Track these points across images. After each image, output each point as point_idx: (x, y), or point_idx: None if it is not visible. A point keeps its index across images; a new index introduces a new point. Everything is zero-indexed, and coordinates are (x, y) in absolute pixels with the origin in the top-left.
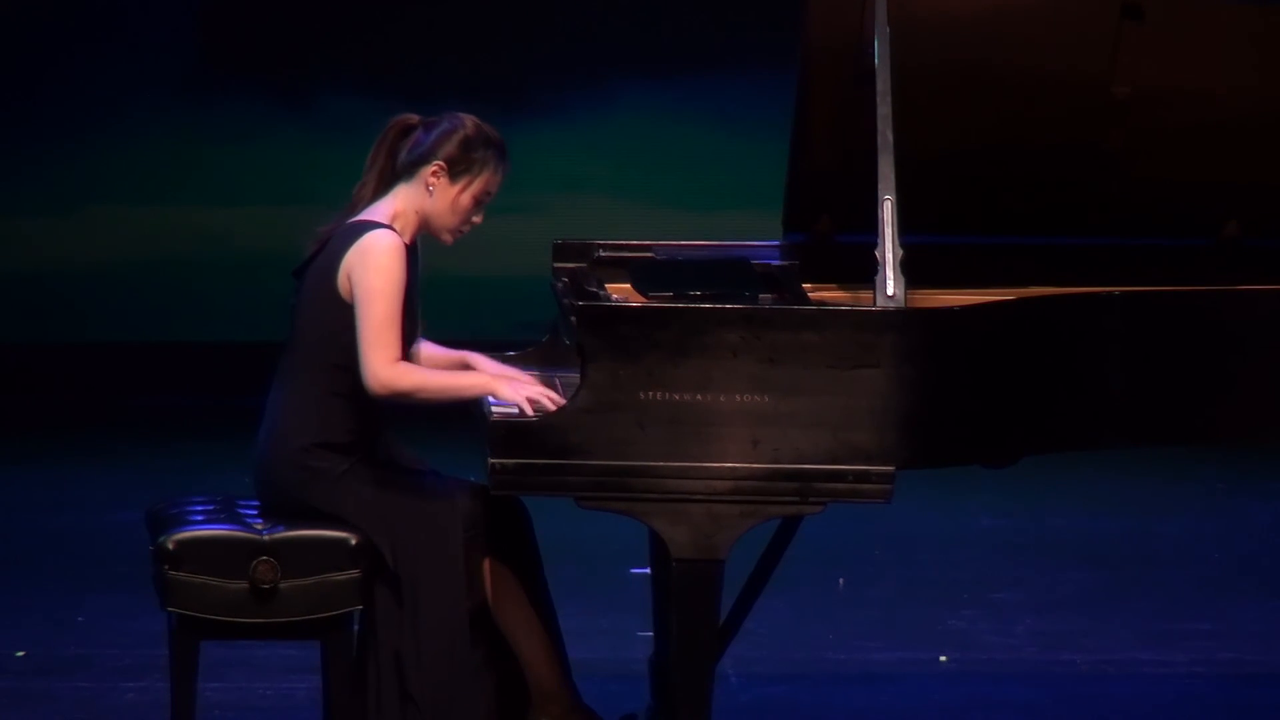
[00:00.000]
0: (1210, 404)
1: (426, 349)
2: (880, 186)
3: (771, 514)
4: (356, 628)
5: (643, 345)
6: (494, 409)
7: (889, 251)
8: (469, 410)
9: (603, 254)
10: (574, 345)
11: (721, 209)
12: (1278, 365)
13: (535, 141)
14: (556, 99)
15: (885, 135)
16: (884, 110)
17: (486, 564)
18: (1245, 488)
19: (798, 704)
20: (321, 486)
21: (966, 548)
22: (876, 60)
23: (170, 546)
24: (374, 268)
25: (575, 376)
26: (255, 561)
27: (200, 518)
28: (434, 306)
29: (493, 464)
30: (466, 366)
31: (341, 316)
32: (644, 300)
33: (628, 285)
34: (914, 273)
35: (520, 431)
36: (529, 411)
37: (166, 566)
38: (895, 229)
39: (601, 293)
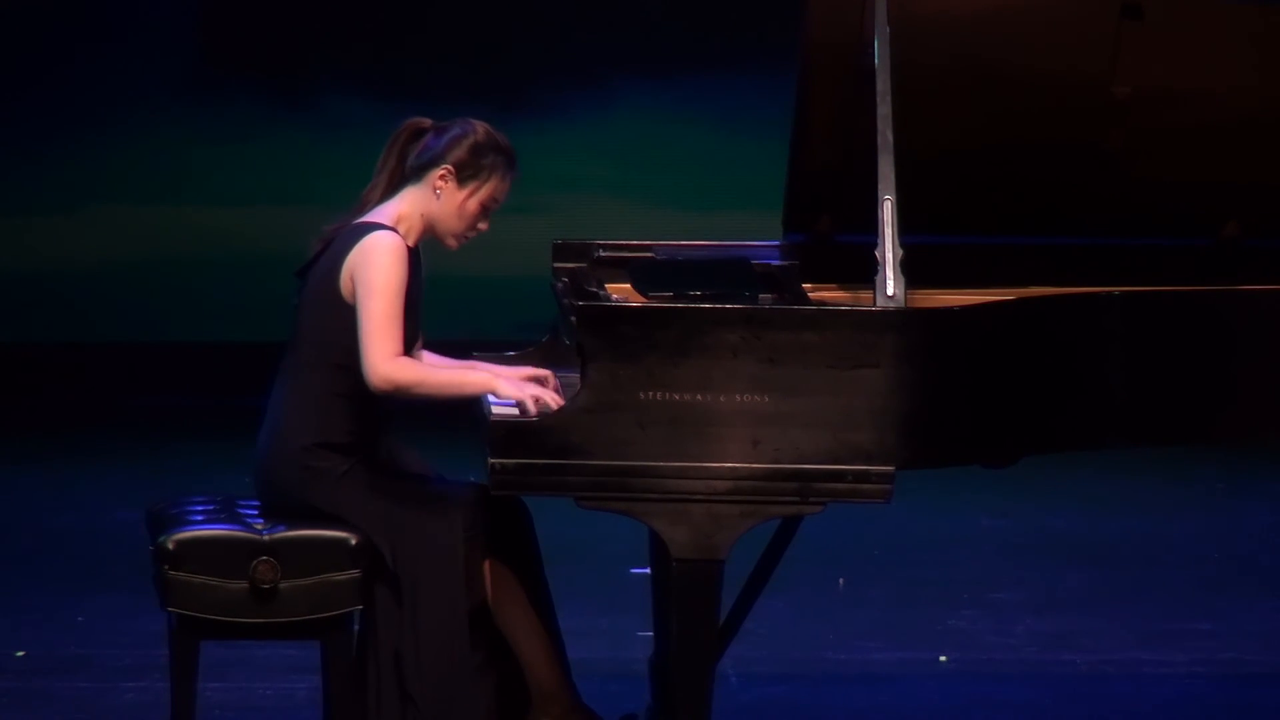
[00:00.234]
0: (1210, 404)
1: (428, 358)
2: (880, 186)
3: (771, 514)
4: (356, 628)
5: (643, 345)
6: (494, 409)
7: (889, 251)
8: (469, 410)
9: (603, 254)
10: (574, 345)
11: (721, 209)
12: (1278, 365)
13: (535, 141)
14: (556, 99)
15: (885, 135)
16: (884, 110)
17: (486, 564)
18: (1245, 488)
19: (798, 704)
20: (322, 486)
21: (966, 548)
22: (876, 60)
23: (170, 546)
24: (375, 265)
25: (575, 376)
26: (255, 561)
27: (200, 518)
28: (434, 306)
29: (493, 464)
30: None
31: (343, 317)
32: (644, 300)
33: (628, 285)
34: (914, 273)
35: (520, 431)
36: (531, 410)
37: (166, 566)
38: (895, 229)
39: (601, 293)
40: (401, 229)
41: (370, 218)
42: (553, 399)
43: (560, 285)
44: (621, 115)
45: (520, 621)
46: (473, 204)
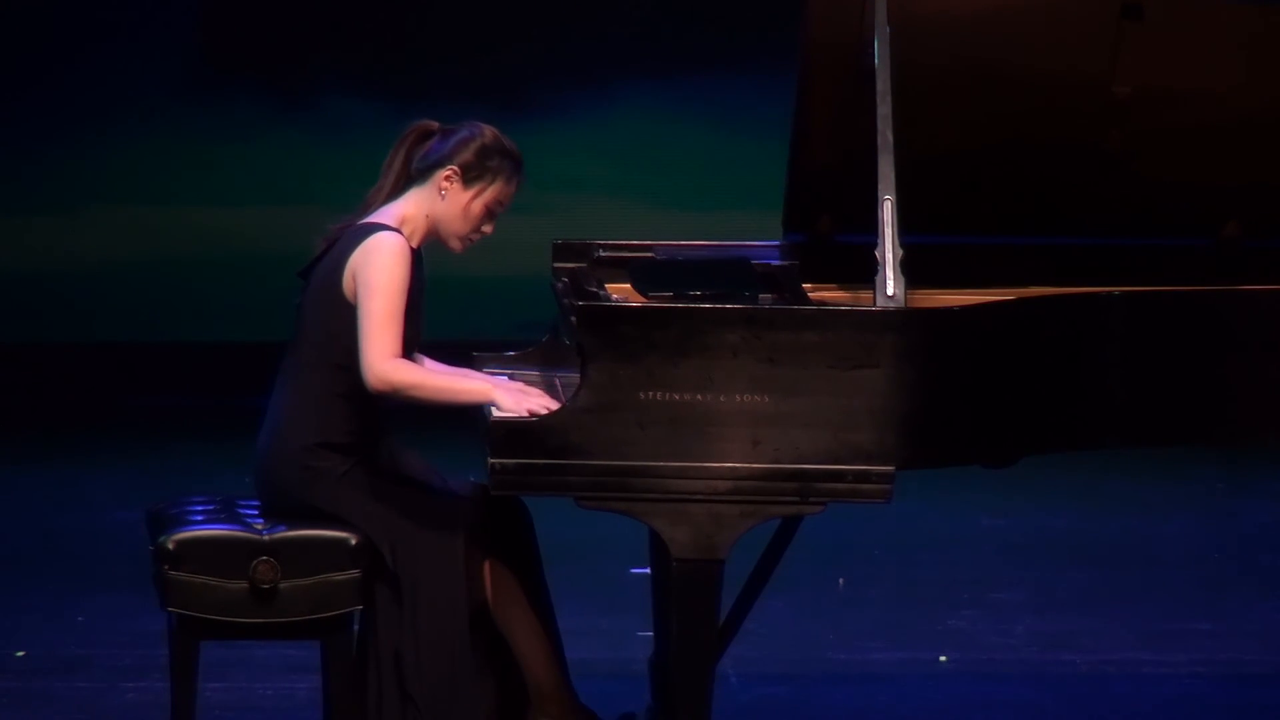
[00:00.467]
0: (1210, 404)
1: (428, 365)
2: (880, 186)
3: (771, 514)
4: (356, 628)
5: (643, 345)
6: (494, 410)
7: (889, 251)
8: (469, 411)
9: (603, 254)
10: (574, 345)
11: (721, 209)
12: (1278, 365)
13: (535, 141)
14: (556, 99)
15: (885, 135)
16: (884, 110)
17: (486, 564)
18: (1245, 488)
19: (798, 704)
20: (322, 486)
21: (966, 548)
22: (876, 60)
23: (170, 546)
24: (377, 265)
25: (575, 376)
26: (255, 561)
27: (200, 518)
28: (434, 306)
29: (493, 464)
30: None
31: (345, 317)
32: (644, 300)
33: (628, 285)
34: (914, 273)
35: (520, 432)
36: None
37: (166, 566)
38: (895, 229)
39: (601, 293)
40: (406, 230)
41: (375, 218)
42: (551, 408)
43: (560, 285)
44: (621, 115)
45: (520, 622)
46: (477, 205)
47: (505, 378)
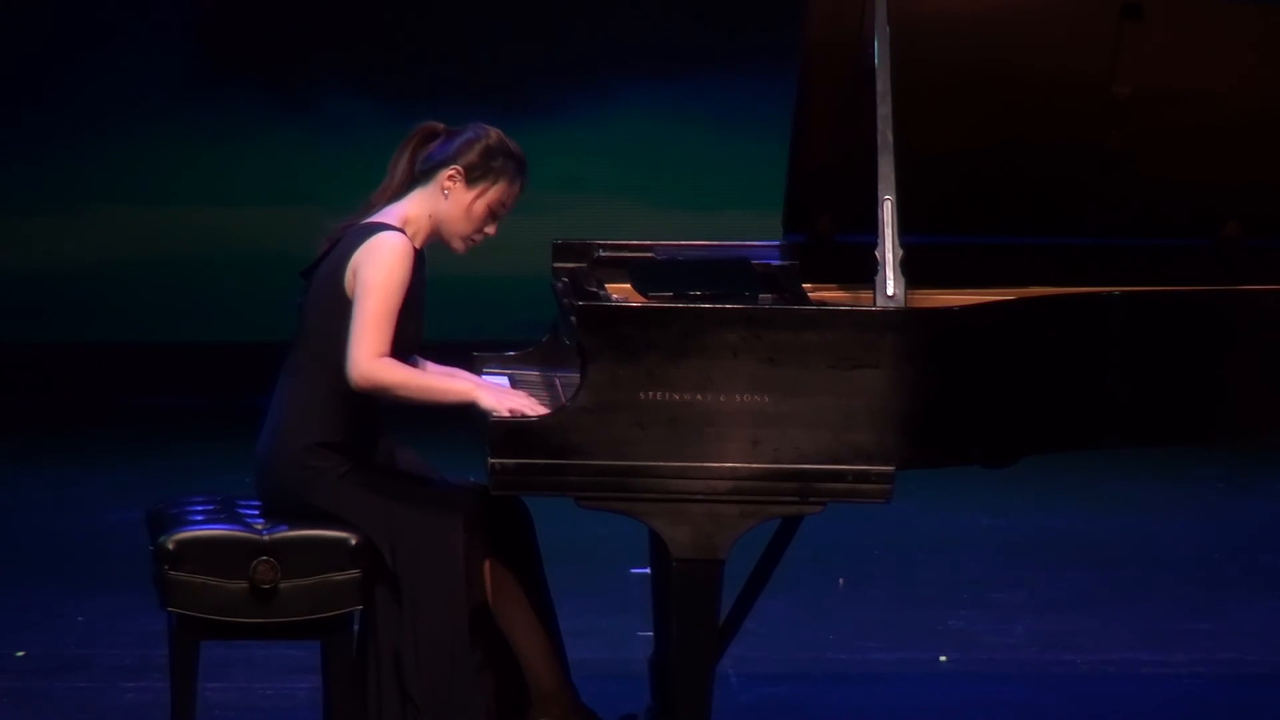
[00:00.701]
0: (1210, 404)
1: (431, 368)
2: (880, 186)
3: (771, 514)
4: (356, 628)
5: (643, 345)
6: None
7: (889, 251)
8: (469, 410)
9: (603, 254)
10: (574, 345)
11: (721, 209)
12: (1278, 365)
13: (535, 141)
14: (556, 99)
15: (885, 135)
16: (884, 110)
17: (486, 564)
18: (1245, 488)
19: (798, 704)
20: (323, 486)
21: (966, 548)
22: (876, 60)
23: (170, 546)
24: (377, 264)
25: (575, 376)
26: (255, 561)
27: (200, 518)
28: (434, 307)
29: (493, 464)
30: None
31: (346, 316)
32: (644, 300)
33: (628, 285)
34: (914, 273)
35: (520, 432)
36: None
37: (166, 566)
38: (895, 229)
39: (601, 293)
40: (409, 230)
41: (378, 218)
42: (532, 411)
43: (560, 285)
44: (621, 115)
45: (520, 622)
46: (480, 206)
47: (505, 379)
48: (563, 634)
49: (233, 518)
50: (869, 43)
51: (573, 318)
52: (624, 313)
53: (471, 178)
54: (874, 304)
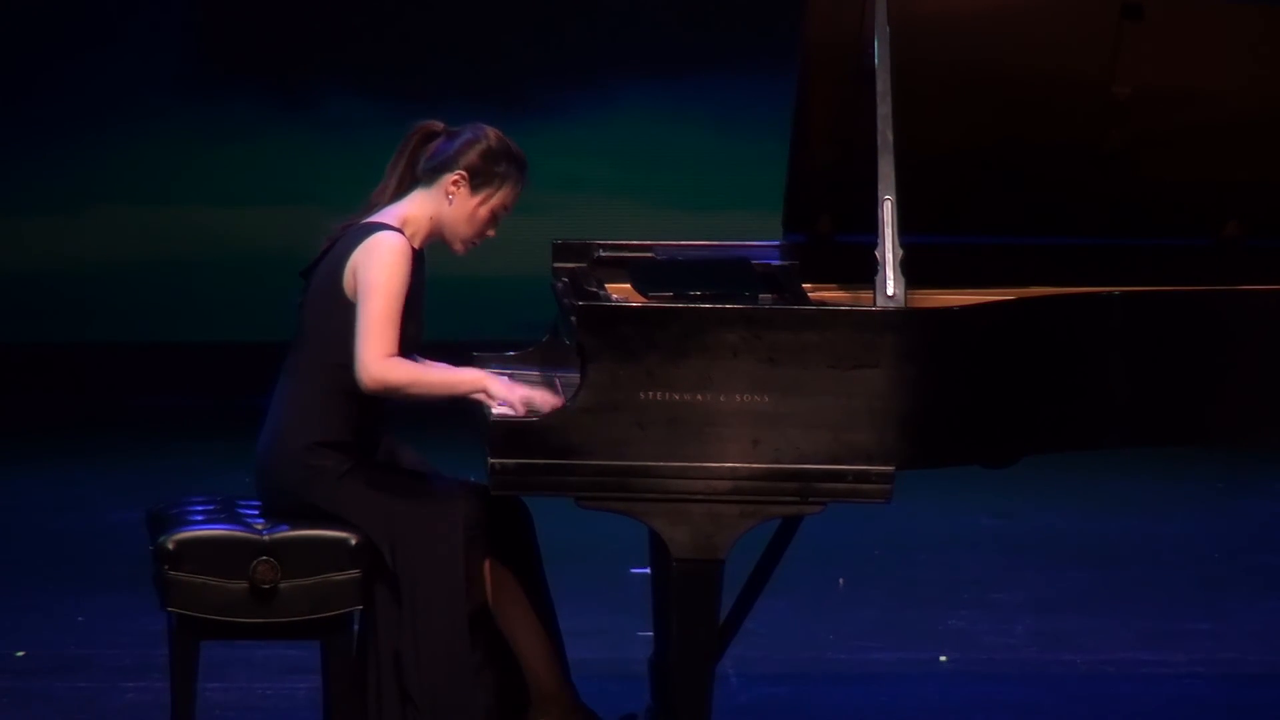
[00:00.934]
0: (1210, 404)
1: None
2: (880, 186)
3: (771, 514)
4: (356, 628)
5: (642, 345)
6: (494, 409)
7: (889, 251)
8: (469, 410)
9: (603, 254)
10: (574, 345)
11: (721, 209)
12: (1277, 365)
13: (535, 141)
14: (556, 99)
15: (885, 135)
16: (884, 110)
17: (486, 564)
18: (1245, 488)
19: (798, 704)
20: (323, 485)
21: (966, 548)
22: (876, 60)
23: (170, 546)
24: (378, 265)
25: (575, 376)
26: (255, 561)
27: (200, 518)
28: (434, 306)
29: (493, 464)
30: None
31: (346, 315)
32: (644, 300)
33: (628, 285)
34: (914, 273)
35: (520, 432)
36: (520, 412)
37: (166, 566)
38: (895, 229)
39: (601, 293)
40: (408, 231)
41: (377, 218)
42: (543, 402)
43: (560, 285)
44: (621, 115)
45: (520, 622)
46: (484, 211)
47: (505, 378)
48: (563, 634)
49: (233, 518)
50: (869, 43)
51: (573, 318)
52: (624, 313)
53: (476, 183)
54: (874, 304)
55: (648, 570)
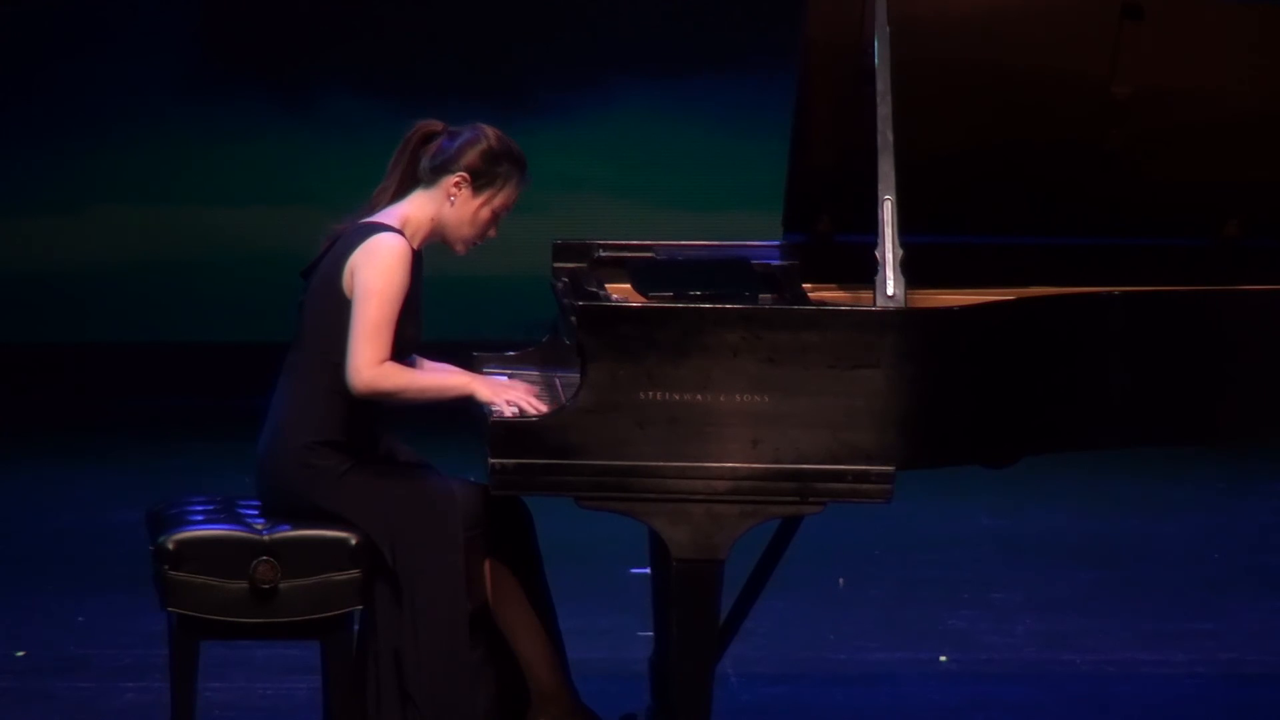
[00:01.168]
0: (1210, 404)
1: (429, 366)
2: (880, 186)
3: (771, 514)
4: (356, 628)
5: (642, 345)
6: (494, 409)
7: (889, 251)
8: (469, 410)
9: (603, 254)
10: (574, 345)
11: (721, 209)
12: (1277, 365)
13: (536, 141)
14: (557, 99)
15: (885, 135)
16: (884, 110)
17: (486, 564)
18: (1245, 488)
19: (798, 704)
20: (323, 484)
21: (966, 548)
22: (876, 60)
23: (170, 546)
24: (377, 268)
25: (575, 376)
26: (255, 561)
27: (200, 518)
28: (434, 306)
29: (493, 464)
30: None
31: (345, 315)
32: (644, 300)
33: (628, 285)
34: (914, 273)
35: (520, 432)
36: (507, 413)
37: (166, 566)
38: (895, 229)
39: (601, 293)
40: (408, 231)
41: (378, 218)
42: (529, 404)
43: (560, 285)
44: (621, 115)
45: (520, 622)
46: (486, 212)
47: (505, 378)
48: (563, 634)
49: (233, 518)
50: (869, 43)
51: (573, 318)
52: (624, 313)
53: (478, 185)
54: (874, 304)
55: (648, 570)
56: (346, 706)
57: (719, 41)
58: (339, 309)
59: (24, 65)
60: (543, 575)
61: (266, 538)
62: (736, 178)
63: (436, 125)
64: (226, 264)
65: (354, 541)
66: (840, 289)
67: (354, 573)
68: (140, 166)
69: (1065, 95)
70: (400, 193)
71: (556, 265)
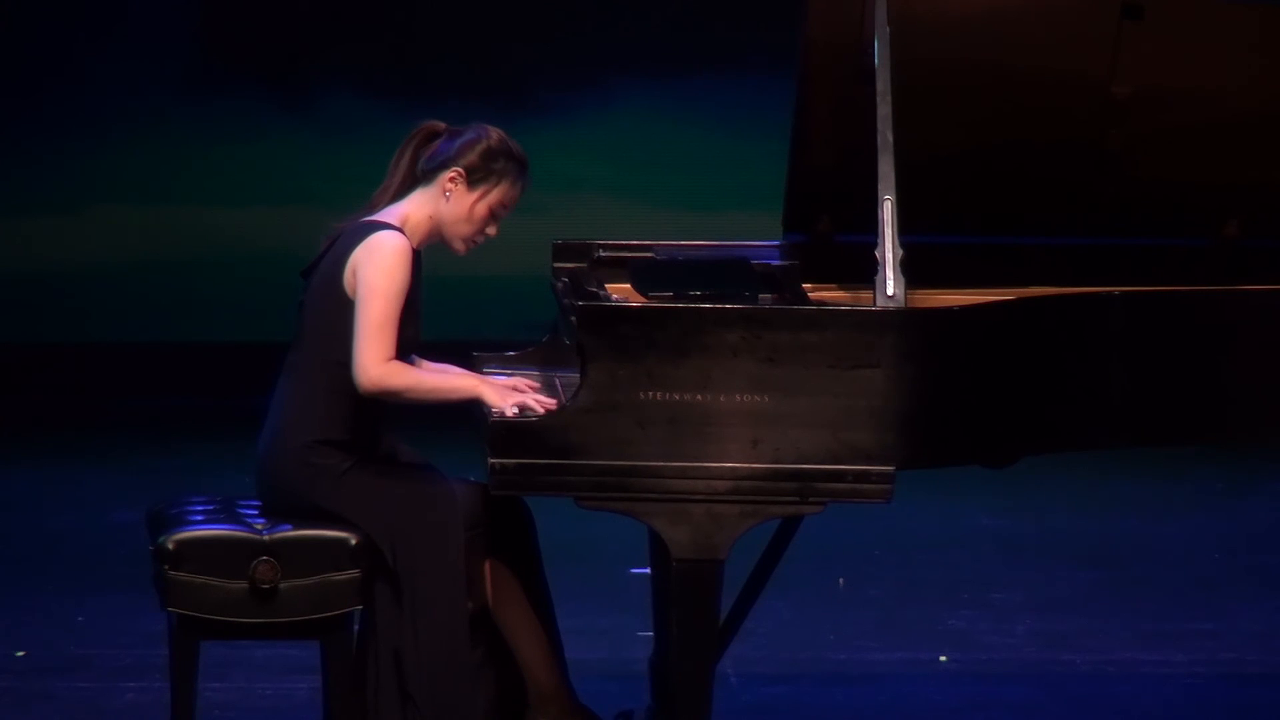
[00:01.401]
0: (1210, 404)
1: (425, 366)
2: (880, 186)
3: (771, 514)
4: (356, 628)
5: (642, 345)
6: (494, 409)
7: (889, 251)
8: (469, 410)
9: (603, 254)
10: (574, 345)
11: (721, 209)
12: (1277, 365)
13: (535, 141)
14: (557, 99)
15: (885, 135)
16: (884, 110)
17: (486, 564)
18: (1245, 488)
19: (798, 704)
20: (323, 484)
21: (966, 548)
22: (876, 60)
23: (170, 546)
24: (378, 266)
25: (575, 376)
26: (255, 561)
27: (200, 518)
28: (434, 306)
29: (493, 464)
30: None
31: (346, 314)
32: (644, 300)
33: (628, 285)
34: (914, 273)
35: (520, 432)
36: (508, 414)
37: (166, 566)
38: (895, 229)
39: (601, 293)
40: (407, 230)
41: (377, 217)
42: (536, 405)
43: (560, 285)
44: (621, 115)
45: (519, 622)
46: (481, 208)
47: (505, 378)
48: (563, 634)
49: (233, 518)
50: (869, 43)
51: (573, 318)
52: (624, 313)
53: (473, 180)
54: (874, 304)
55: (648, 570)
56: (346, 706)
57: (719, 41)
58: (340, 308)
59: (24, 65)
60: (543, 575)
61: (266, 538)
62: (736, 178)
63: (439, 126)
64: (226, 264)
65: (354, 541)
66: (840, 289)
67: (354, 573)
68: (140, 166)
69: (1065, 95)
70: (401, 192)
71: (556, 265)
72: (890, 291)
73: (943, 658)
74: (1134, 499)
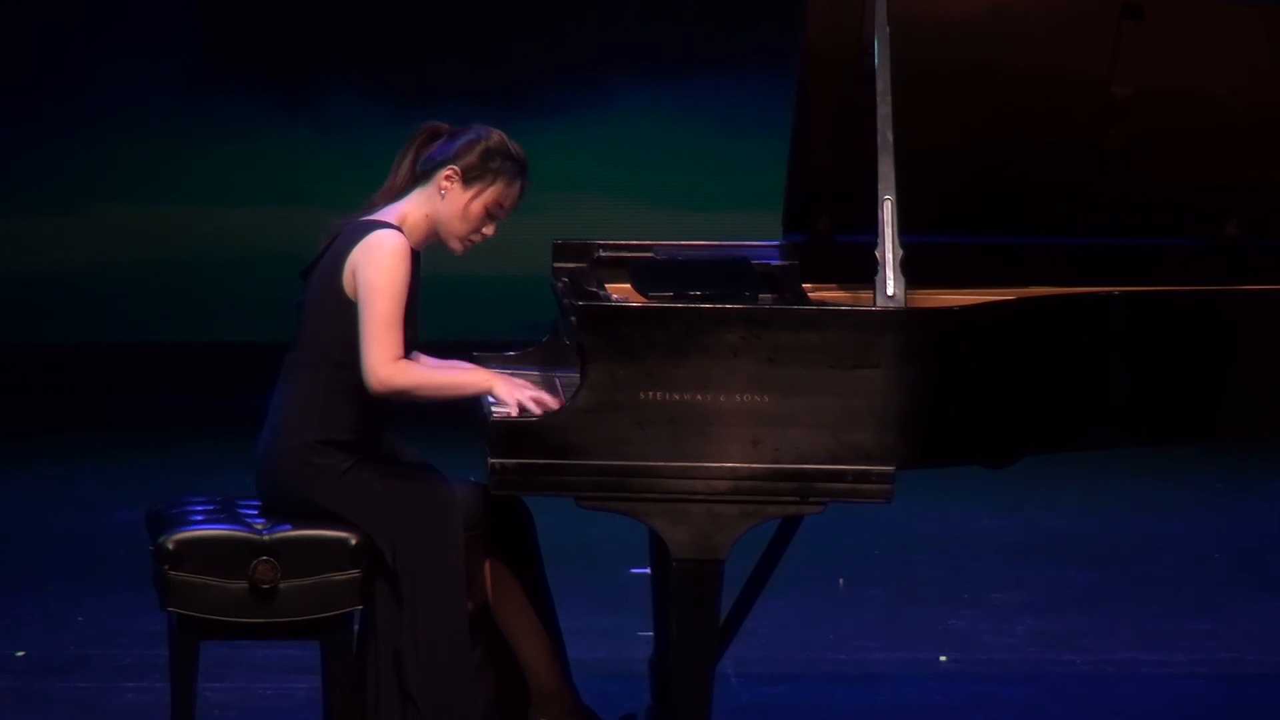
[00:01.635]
0: (1210, 404)
1: (426, 361)
2: (880, 186)
3: (771, 514)
4: (356, 627)
5: (642, 345)
6: (494, 409)
7: (889, 251)
8: (469, 410)
9: (603, 254)
10: (574, 345)
11: (721, 209)
12: (1278, 365)
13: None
14: (557, 99)
15: (885, 135)
16: (884, 110)
17: (486, 564)
18: (1245, 488)
19: (798, 704)
20: (323, 484)
21: (966, 548)
22: (876, 60)
23: (170, 546)
24: (378, 266)
25: (575, 376)
26: (255, 561)
27: (200, 518)
28: (434, 306)
29: (493, 464)
30: None
31: (345, 314)
32: (644, 300)
33: (628, 285)
34: (914, 273)
35: (520, 431)
36: (534, 410)
37: (166, 566)
38: (895, 229)
39: (601, 293)
40: (405, 229)
41: (376, 216)
42: (549, 401)
43: (560, 285)
44: (621, 115)
45: (520, 621)
46: (477, 206)
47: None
48: (563, 634)
49: (233, 518)
50: (869, 43)
51: (573, 318)
52: (624, 313)
53: (469, 178)
54: (874, 304)
55: (648, 570)
56: (346, 706)
57: (719, 41)
58: (339, 308)
59: (24, 65)
60: (543, 575)
61: (266, 538)
62: (736, 178)
63: (441, 127)
64: (226, 264)
65: (354, 541)
66: (840, 289)
67: (354, 573)
68: (140, 166)
69: (1065, 95)
70: (401, 193)
71: (556, 265)
72: (890, 291)
73: (943, 658)
74: (1134, 499)
